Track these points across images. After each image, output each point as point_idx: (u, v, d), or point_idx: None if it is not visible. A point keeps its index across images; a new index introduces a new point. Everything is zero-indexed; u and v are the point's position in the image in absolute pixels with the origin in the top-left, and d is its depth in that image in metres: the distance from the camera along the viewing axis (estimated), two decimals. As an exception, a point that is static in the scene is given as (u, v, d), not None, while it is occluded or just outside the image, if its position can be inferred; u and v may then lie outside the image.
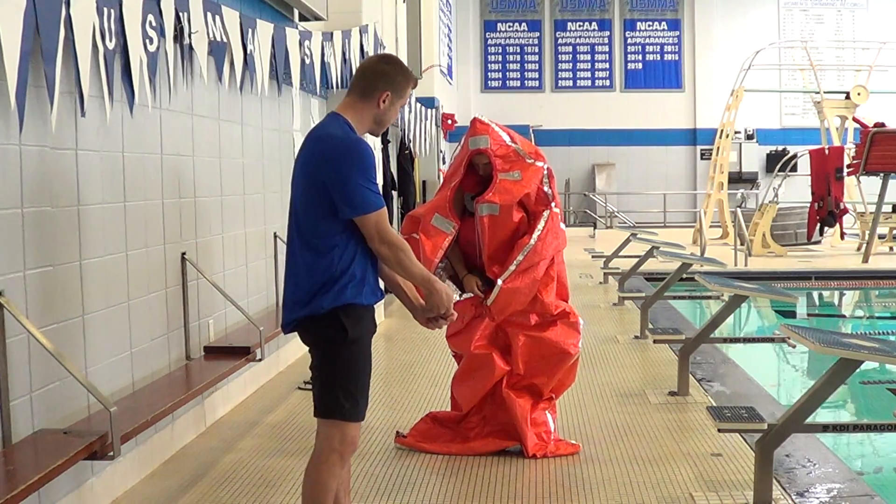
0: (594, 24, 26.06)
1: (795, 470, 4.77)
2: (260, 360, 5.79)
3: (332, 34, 7.84)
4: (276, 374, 7.12)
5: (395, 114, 3.56)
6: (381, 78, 3.48)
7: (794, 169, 19.72)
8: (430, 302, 3.57)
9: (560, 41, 26.09)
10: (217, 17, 5.48)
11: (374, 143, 9.77)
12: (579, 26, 26.08)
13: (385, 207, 3.41)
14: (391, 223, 3.87)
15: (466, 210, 5.16)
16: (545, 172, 5.12)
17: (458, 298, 5.15)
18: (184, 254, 5.37)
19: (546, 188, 5.10)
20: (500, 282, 4.95)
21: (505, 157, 5.06)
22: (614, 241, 14.42)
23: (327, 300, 3.36)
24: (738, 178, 23.81)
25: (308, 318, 3.40)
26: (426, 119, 13.97)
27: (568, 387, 5.39)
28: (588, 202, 24.77)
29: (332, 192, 3.32)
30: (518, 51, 26.08)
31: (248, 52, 5.94)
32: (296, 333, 3.52)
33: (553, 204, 5.11)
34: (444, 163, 16.87)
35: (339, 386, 3.39)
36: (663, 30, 26.03)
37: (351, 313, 3.37)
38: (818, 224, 16.74)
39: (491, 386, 5.11)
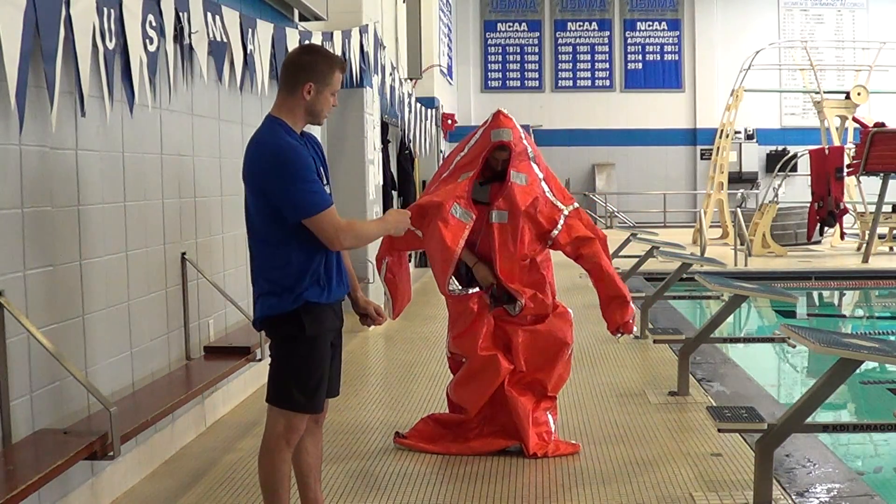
0: (594, 24, 26.05)
1: (795, 470, 4.77)
2: (260, 360, 5.78)
3: (332, 34, 7.83)
4: (276, 374, 7.10)
5: (326, 102, 3.52)
6: (302, 70, 3.49)
7: (794, 169, 19.73)
8: (396, 230, 3.74)
9: (560, 41, 26.09)
10: (217, 17, 5.47)
11: (374, 142, 9.76)
12: (579, 26, 26.07)
13: (332, 205, 3.42)
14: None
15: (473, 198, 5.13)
16: (541, 178, 5.13)
17: (460, 292, 5.11)
18: (184, 254, 5.37)
19: (550, 195, 5.10)
20: (631, 319, 5.09)
21: (519, 156, 5.10)
22: (614, 241, 14.31)
23: (289, 301, 3.43)
24: (738, 178, 23.80)
25: (272, 317, 3.48)
26: (426, 119, 13.97)
27: (565, 381, 5.36)
28: (588, 202, 24.74)
29: (275, 200, 3.38)
30: (518, 51, 26.07)
31: (248, 52, 5.94)
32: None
33: (570, 204, 5.14)
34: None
35: (294, 380, 3.48)
36: (663, 30, 26.03)
37: (312, 312, 3.45)
38: (818, 224, 16.74)
39: (496, 386, 5.11)
